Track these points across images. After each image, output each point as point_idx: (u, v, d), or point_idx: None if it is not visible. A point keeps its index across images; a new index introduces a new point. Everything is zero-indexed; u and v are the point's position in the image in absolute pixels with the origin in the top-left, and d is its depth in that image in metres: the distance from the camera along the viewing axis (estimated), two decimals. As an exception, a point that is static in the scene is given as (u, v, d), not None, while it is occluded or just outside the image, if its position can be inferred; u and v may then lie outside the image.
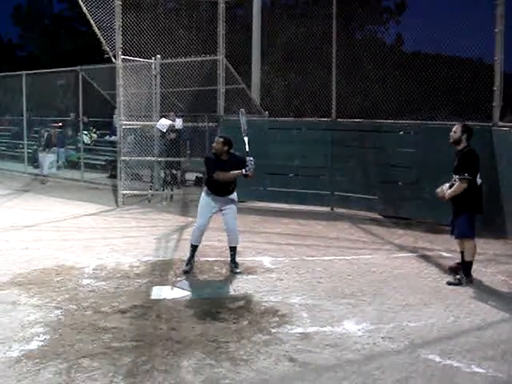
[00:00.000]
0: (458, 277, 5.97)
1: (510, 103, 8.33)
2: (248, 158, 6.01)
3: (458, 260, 6.15)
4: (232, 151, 6.17)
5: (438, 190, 6.08)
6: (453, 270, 6.15)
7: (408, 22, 13.12)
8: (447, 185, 5.99)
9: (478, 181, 5.88)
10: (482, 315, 5.00)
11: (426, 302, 5.34)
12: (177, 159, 11.50)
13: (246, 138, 6.25)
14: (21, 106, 15.61)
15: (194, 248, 6.34)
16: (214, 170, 6.11)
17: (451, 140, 5.99)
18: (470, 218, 5.87)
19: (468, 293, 5.63)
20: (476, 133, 8.21)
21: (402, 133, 9.21)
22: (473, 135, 6.00)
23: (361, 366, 4.02)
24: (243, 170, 5.99)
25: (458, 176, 5.85)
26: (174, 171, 11.84)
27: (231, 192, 6.28)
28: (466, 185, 5.76)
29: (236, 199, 6.34)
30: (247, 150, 6.13)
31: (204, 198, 6.29)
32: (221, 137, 6.24)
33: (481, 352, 4.23)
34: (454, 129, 5.99)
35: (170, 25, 10.96)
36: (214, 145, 6.18)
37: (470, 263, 5.93)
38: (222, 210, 6.27)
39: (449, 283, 5.92)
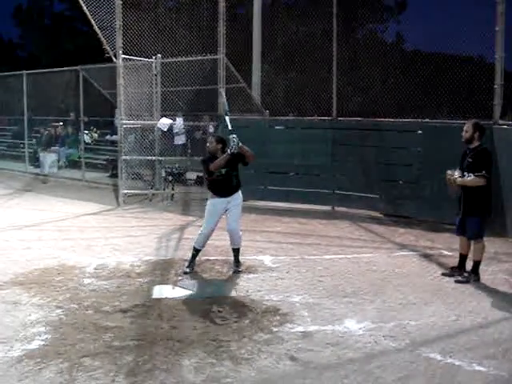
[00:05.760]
0: (465, 274, 6.00)
1: (511, 101, 8.32)
2: (231, 136, 5.95)
3: (454, 264, 6.23)
4: (227, 150, 6.04)
5: (449, 171, 5.94)
6: (448, 275, 6.11)
7: (408, 21, 13.14)
8: (459, 172, 5.90)
9: None
10: (484, 314, 5.01)
11: (427, 301, 5.34)
12: (173, 158, 11.48)
13: (227, 118, 6.27)
14: (21, 106, 15.63)
15: (196, 251, 6.29)
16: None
17: (463, 139, 5.96)
18: (483, 220, 5.92)
19: (469, 291, 5.63)
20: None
21: (402, 131, 9.20)
22: (485, 132, 6.00)
23: (362, 365, 4.03)
24: (229, 150, 5.93)
25: (473, 174, 5.79)
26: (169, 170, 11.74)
27: (236, 189, 6.18)
28: (482, 181, 5.74)
29: (241, 198, 6.24)
30: (230, 128, 6.11)
31: (211, 204, 6.18)
32: (213, 136, 6.57)
33: (482, 350, 4.23)
34: (465, 128, 5.96)
35: (171, 24, 10.97)
36: (208, 145, 6.25)
37: (479, 262, 5.96)
38: (226, 210, 6.17)
39: (457, 281, 5.92)
